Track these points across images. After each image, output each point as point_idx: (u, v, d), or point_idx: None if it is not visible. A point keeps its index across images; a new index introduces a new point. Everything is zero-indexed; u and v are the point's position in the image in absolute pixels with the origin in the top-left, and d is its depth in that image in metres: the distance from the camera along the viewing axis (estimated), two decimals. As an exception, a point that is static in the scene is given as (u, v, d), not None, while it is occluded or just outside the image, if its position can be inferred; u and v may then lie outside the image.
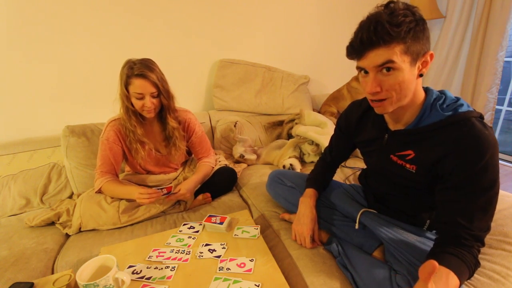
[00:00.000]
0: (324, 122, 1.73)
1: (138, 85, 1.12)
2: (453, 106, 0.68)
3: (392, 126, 0.78)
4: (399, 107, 0.69)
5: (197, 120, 1.41)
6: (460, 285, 0.61)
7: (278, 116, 2.01)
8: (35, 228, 1.23)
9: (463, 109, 0.67)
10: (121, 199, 1.22)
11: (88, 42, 1.66)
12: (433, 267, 0.51)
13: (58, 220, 1.24)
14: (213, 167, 1.42)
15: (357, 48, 0.64)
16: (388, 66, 0.62)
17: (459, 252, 0.63)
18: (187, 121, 1.35)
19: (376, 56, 0.62)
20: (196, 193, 1.34)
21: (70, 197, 1.46)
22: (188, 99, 2.02)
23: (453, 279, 0.60)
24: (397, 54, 0.61)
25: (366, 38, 0.61)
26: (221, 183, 1.41)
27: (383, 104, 0.68)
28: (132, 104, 1.17)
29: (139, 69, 1.11)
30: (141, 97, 1.14)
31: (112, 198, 1.23)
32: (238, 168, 1.64)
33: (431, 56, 0.66)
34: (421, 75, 0.67)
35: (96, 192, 1.24)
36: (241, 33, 1.99)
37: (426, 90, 0.74)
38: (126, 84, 1.13)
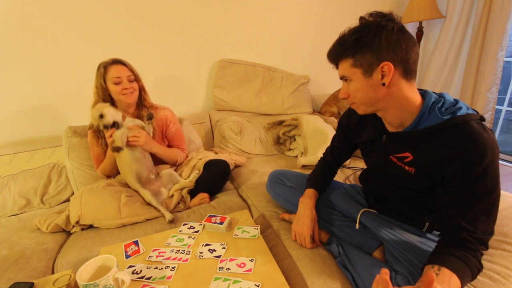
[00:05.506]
0: (325, 132, 1.66)
1: (116, 70, 1.25)
2: (451, 109, 0.68)
3: (390, 128, 0.78)
4: (387, 111, 0.73)
5: (174, 117, 1.51)
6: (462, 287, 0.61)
7: (278, 116, 2.01)
8: (35, 228, 1.23)
9: (462, 112, 0.66)
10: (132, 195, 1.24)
11: (89, 43, 1.66)
12: (431, 280, 0.51)
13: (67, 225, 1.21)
14: (177, 160, 1.47)
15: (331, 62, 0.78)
16: (345, 78, 0.74)
17: (464, 256, 0.63)
18: (164, 117, 1.45)
19: (339, 71, 0.75)
20: (193, 194, 1.35)
21: (71, 197, 1.46)
22: (188, 99, 2.02)
23: (456, 282, 0.60)
24: (347, 69, 0.72)
25: (328, 58, 0.77)
26: (214, 173, 1.41)
27: (354, 107, 0.78)
28: (109, 96, 1.27)
29: (114, 58, 1.26)
30: (119, 81, 1.25)
31: (114, 191, 1.22)
32: (239, 158, 1.68)
33: (388, 67, 0.66)
34: (383, 84, 0.68)
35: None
36: (241, 33, 1.99)
37: (424, 93, 0.73)
38: (103, 75, 1.24)
